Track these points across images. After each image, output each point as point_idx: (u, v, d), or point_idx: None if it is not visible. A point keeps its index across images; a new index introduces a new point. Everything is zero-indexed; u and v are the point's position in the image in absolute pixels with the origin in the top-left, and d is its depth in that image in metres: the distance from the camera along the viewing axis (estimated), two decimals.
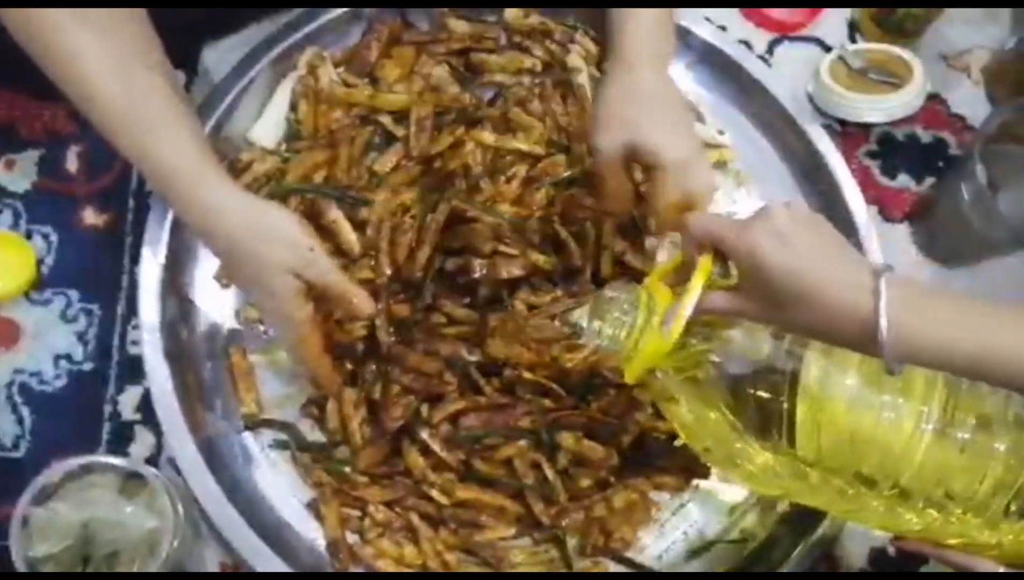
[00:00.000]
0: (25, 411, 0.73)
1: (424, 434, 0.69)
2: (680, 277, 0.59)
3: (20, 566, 0.61)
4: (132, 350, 0.74)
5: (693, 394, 0.58)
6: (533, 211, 0.75)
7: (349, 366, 0.70)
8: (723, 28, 0.89)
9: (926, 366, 0.50)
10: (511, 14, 0.82)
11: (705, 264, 0.55)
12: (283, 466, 0.71)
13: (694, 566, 0.72)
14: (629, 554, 0.71)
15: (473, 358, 0.70)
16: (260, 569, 0.65)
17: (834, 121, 0.87)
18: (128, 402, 0.73)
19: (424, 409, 0.70)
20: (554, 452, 0.70)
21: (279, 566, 0.65)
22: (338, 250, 0.72)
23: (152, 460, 0.72)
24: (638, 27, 0.67)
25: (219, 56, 0.78)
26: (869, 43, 0.89)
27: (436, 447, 0.69)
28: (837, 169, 0.81)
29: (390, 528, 0.69)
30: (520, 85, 0.80)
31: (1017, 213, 0.75)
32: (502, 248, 0.72)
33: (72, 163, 0.79)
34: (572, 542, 0.70)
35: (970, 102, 0.90)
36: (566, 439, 0.70)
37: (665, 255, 0.75)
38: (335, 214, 0.72)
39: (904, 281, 0.50)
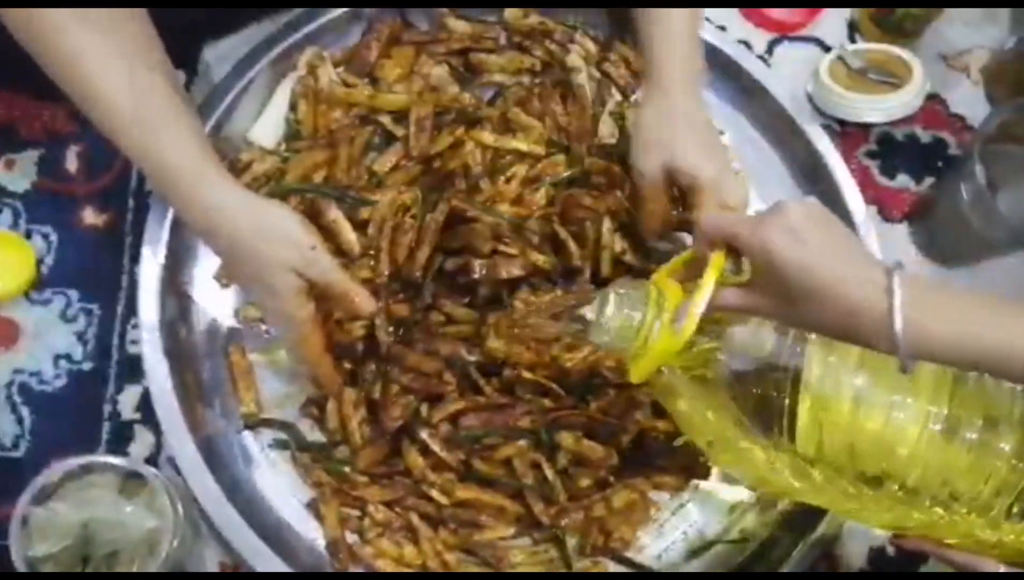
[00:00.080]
0: (25, 411, 0.73)
1: (424, 434, 0.69)
2: (689, 273, 0.58)
3: (20, 566, 0.61)
4: (132, 349, 0.74)
5: (699, 392, 0.58)
6: (533, 211, 0.75)
7: (349, 366, 0.70)
8: (723, 28, 0.89)
9: (939, 362, 0.51)
10: (511, 14, 0.82)
11: (718, 260, 0.54)
12: (283, 466, 0.71)
13: (694, 566, 0.72)
14: (629, 554, 0.71)
15: (473, 358, 0.70)
16: (260, 569, 0.65)
17: (833, 121, 0.87)
18: (128, 402, 0.73)
19: (424, 409, 0.70)
20: (554, 452, 0.70)
21: (279, 566, 0.65)
22: (338, 250, 0.72)
23: (152, 460, 0.72)
24: (671, 54, 0.69)
25: (219, 56, 0.78)
26: (868, 43, 0.89)
27: (436, 447, 0.69)
28: (836, 169, 0.81)
29: (390, 528, 0.69)
30: (520, 85, 0.80)
31: (1017, 213, 0.75)
32: (502, 248, 0.72)
33: (72, 163, 0.79)
34: (572, 542, 0.70)
35: (969, 102, 0.90)
36: (566, 439, 0.70)
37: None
38: (335, 214, 0.72)
39: (915, 278, 0.50)
